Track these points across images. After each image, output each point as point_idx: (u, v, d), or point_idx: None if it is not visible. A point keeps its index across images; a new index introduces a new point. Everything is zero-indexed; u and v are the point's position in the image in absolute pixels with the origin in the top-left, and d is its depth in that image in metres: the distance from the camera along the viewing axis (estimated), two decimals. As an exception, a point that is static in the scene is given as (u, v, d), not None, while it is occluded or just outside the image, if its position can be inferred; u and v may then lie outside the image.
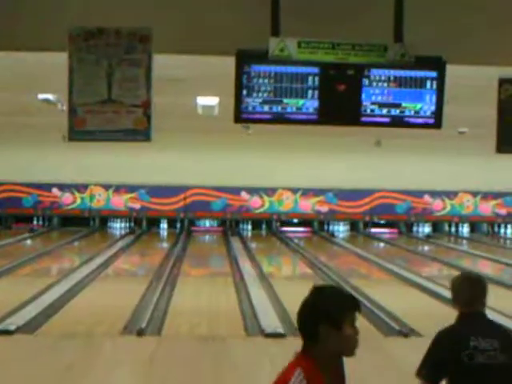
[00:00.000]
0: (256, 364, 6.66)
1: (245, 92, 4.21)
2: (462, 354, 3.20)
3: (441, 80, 4.28)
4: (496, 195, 21.59)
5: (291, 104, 4.25)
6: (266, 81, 4.21)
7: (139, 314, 8.83)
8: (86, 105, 4.41)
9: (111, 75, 4.38)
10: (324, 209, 21.31)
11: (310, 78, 4.24)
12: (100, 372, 6.47)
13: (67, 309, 9.26)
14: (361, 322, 8.28)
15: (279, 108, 4.24)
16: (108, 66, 4.38)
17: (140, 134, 4.47)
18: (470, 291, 3.33)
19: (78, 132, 4.46)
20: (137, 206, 20.96)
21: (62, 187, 20.83)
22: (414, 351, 6.98)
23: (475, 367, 3.18)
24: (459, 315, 3.34)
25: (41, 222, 21.19)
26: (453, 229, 22.14)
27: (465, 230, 22.19)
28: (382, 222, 21.74)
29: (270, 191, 21.16)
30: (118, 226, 21.23)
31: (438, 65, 4.30)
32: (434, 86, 4.29)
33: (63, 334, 7.84)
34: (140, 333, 7.79)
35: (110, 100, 4.40)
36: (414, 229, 21.85)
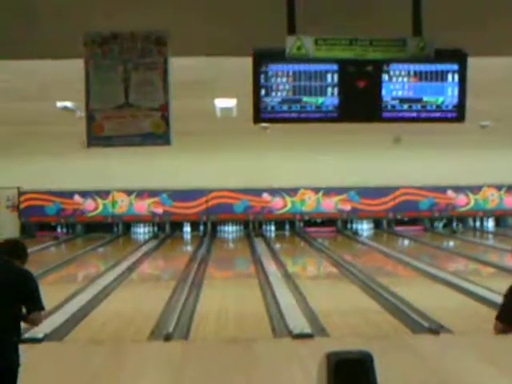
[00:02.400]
0: (285, 365, 6.60)
1: (263, 92, 4.16)
2: None
3: (462, 72, 4.21)
4: (521, 188, 21.35)
5: (310, 102, 4.19)
6: (284, 80, 4.17)
7: (166, 318, 8.81)
8: (103, 110, 4.39)
9: (127, 80, 4.36)
10: (347, 207, 21.20)
11: (329, 76, 4.18)
12: (128, 378, 6.44)
13: (94, 315, 9.27)
14: (389, 320, 8.20)
15: (298, 107, 4.19)
16: (124, 71, 4.36)
17: (159, 137, 4.44)
18: None
19: (96, 137, 4.45)
20: (159, 210, 21.00)
21: (84, 194, 20.93)
22: (444, 348, 6.93)
23: None
24: None
25: (64, 230, 21.30)
26: (477, 223, 21.91)
27: (490, 224, 21.94)
28: (406, 219, 21.57)
29: (292, 191, 21.09)
30: (141, 231, 21.28)
31: (458, 57, 4.23)
32: (456, 79, 4.22)
33: (90, 340, 7.85)
34: (167, 337, 7.77)
35: (128, 104, 4.38)
36: (436, 224, 21.66)
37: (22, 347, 7.31)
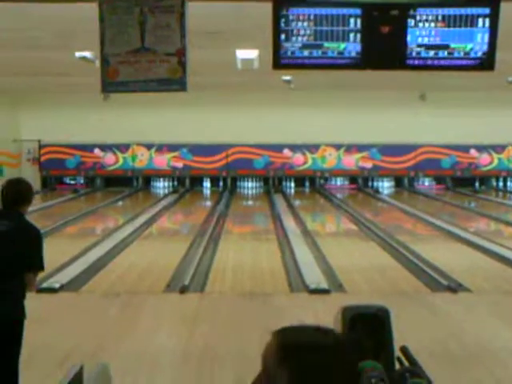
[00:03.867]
0: (300, 319, 6.55)
1: (283, 36, 4.00)
2: None
3: (494, 17, 4.00)
4: (546, 148, 20.98)
5: (332, 48, 4.03)
6: (306, 24, 4.00)
7: (182, 271, 8.79)
8: (118, 55, 4.25)
9: (143, 23, 4.21)
10: (368, 165, 21.01)
11: (352, 20, 4.01)
12: (143, 329, 6.44)
13: (111, 267, 9.27)
14: (408, 278, 8.14)
15: (320, 52, 4.03)
16: (140, 14, 4.20)
17: (175, 82, 4.30)
18: None
19: (110, 83, 4.31)
20: (179, 164, 20.95)
21: (104, 148, 20.90)
22: (462, 306, 6.84)
23: None
24: None
25: (83, 182, 21.31)
26: (500, 183, 21.62)
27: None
28: (428, 178, 21.36)
29: (313, 148, 20.92)
30: (161, 186, 21.27)
31: (491, 0, 4.00)
32: (487, 24, 4.02)
33: (107, 291, 7.84)
34: (183, 290, 7.75)
35: (143, 49, 4.24)
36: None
37: (38, 296, 7.35)
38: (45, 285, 7.89)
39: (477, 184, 21.28)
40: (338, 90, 18.74)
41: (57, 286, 7.86)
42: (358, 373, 1.82)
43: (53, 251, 10.28)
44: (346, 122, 20.26)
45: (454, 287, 7.83)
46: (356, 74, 10.75)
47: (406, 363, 3.02)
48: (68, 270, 8.87)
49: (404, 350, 3.09)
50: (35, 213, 16.04)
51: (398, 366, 2.96)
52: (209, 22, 7.64)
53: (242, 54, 10.83)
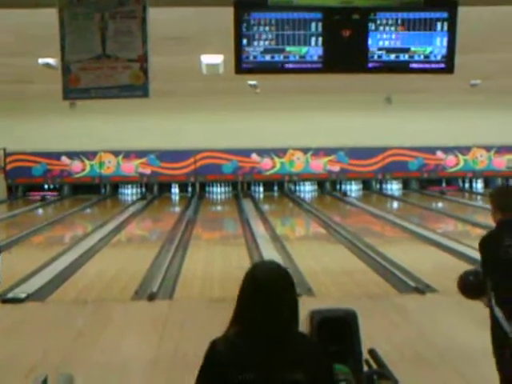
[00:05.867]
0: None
1: (245, 41, 4.01)
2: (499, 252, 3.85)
3: (452, 21, 4.05)
4: (510, 149, 21.25)
5: (294, 52, 4.04)
6: (267, 28, 4.01)
7: (150, 278, 8.73)
8: (79, 61, 4.21)
9: (104, 29, 4.17)
10: (336, 168, 21.10)
11: (313, 24, 4.02)
12: (112, 337, 6.38)
13: (78, 275, 9.18)
14: (377, 279, 8.14)
15: (281, 57, 4.04)
16: (101, 20, 4.17)
17: (137, 89, 4.27)
18: (504, 200, 3.95)
19: (72, 90, 4.27)
20: (147, 171, 20.84)
21: (71, 155, 20.71)
22: (430, 307, 6.88)
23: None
24: (497, 223, 3.99)
25: (52, 191, 21.09)
26: (467, 185, 21.87)
27: (479, 185, 21.89)
28: (395, 180, 21.52)
29: (281, 152, 20.96)
30: (129, 192, 21.13)
31: (449, 4, 4.05)
32: (445, 28, 4.06)
33: (74, 300, 7.76)
34: (151, 297, 7.70)
35: (105, 55, 4.20)
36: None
37: (3, 307, 7.24)
38: (11, 295, 7.79)
39: (443, 185, 21.51)
40: (304, 94, 18.81)
41: (23, 295, 7.75)
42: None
43: (19, 261, 10.20)
44: (313, 125, 20.32)
45: (422, 288, 7.89)
46: (322, 78, 10.81)
47: (375, 366, 3.03)
48: (35, 279, 8.76)
49: (372, 352, 3.11)
50: (1, 222, 15.86)
51: (366, 368, 2.97)
52: (173, 28, 7.63)
53: (207, 59, 10.82)
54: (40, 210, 18.57)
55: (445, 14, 4.04)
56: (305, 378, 2.37)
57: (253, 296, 2.48)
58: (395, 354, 5.48)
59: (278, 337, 2.43)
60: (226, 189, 21.21)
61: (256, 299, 2.46)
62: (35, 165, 20.75)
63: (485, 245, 4.00)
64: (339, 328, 3.01)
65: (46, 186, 21.02)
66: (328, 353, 2.62)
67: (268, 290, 2.46)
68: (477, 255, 9.63)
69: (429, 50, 4.10)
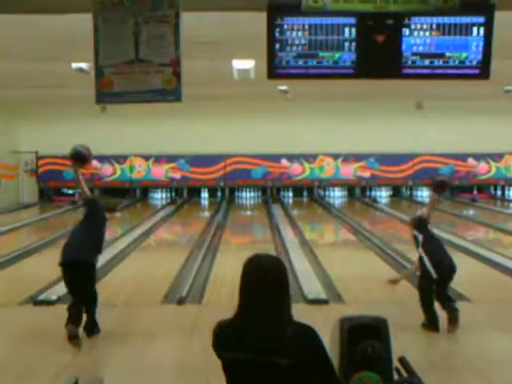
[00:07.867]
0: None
1: (277, 46, 3.99)
2: None
3: (489, 25, 3.99)
4: (544, 156, 20.98)
5: (327, 57, 4.02)
6: (300, 34, 3.99)
7: (180, 282, 8.75)
8: (112, 66, 4.23)
9: (138, 33, 4.19)
10: (366, 174, 21.00)
11: (347, 30, 3.99)
12: (140, 341, 6.40)
13: (108, 279, 9.21)
14: (407, 287, 8.03)
15: (314, 62, 4.01)
16: (134, 24, 4.19)
17: (170, 93, 4.28)
18: None
19: (105, 94, 4.30)
20: (177, 175, 20.93)
21: (102, 159, 20.88)
22: (462, 316, 6.79)
23: None
24: None
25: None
26: (499, 192, 21.61)
27: (511, 193, 21.63)
28: (425, 187, 21.33)
29: (311, 158, 20.92)
30: (158, 197, 21.24)
31: (485, 9, 3.99)
32: (482, 33, 4.00)
33: (104, 303, 7.78)
34: (180, 301, 7.71)
35: (138, 59, 4.22)
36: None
37: (34, 309, 7.30)
38: (42, 297, 7.86)
39: (475, 192, 21.27)
40: (334, 100, 18.76)
41: (54, 298, 7.81)
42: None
43: (51, 263, 10.27)
44: (343, 131, 20.27)
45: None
46: (352, 84, 10.76)
47: (405, 374, 2.99)
48: (65, 282, 8.81)
49: (402, 360, 3.06)
50: (33, 224, 16.03)
51: (396, 376, 2.93)
52: (205, 33, 7.65)
53: (239, 64, 10.83)
54: (70, 214, 18.70)
55: (481, 19, 3.98)
56: (289, 364, 2.55)
57: (257, 283, 2.70)
58: (425, 362, 5.42)
59: (275, 322, 2.62)
60: (256, 194, 21.22)
61: (260, 286, 2.68)
62: (66, 168, 20.92)
63: None
64: (369, 335, 2.98)
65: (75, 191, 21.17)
66: (319, 337, 2.68)
67: (272, 276, 2.70)
68: (509, 263, 9.51)
69: (464, 55, 4.04)
